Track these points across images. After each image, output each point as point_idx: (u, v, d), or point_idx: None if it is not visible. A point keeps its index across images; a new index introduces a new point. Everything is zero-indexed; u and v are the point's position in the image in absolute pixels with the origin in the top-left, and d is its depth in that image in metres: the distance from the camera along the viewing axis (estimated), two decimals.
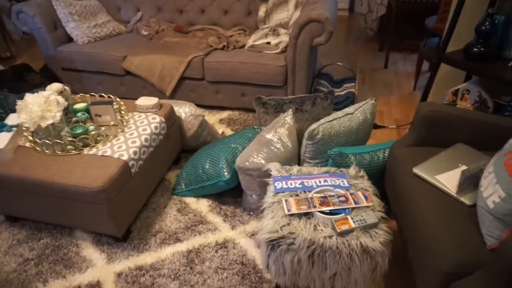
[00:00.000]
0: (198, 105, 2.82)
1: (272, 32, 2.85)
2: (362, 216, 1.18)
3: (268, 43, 2.71)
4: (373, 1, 3.71)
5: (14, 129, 1.80)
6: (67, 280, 1.57)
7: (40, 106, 1.66)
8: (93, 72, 2.85)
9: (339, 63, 3.04)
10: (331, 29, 2.27)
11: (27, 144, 1.77)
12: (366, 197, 1.27)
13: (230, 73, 2.55)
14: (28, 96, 1.71)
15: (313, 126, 1.76)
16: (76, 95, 2.04)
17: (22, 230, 1.82)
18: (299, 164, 1.91)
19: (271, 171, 1.54)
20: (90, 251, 1.69)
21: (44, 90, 2.89)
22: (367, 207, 1.24)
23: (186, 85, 2.71)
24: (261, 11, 2.89)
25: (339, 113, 1.86)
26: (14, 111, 2.71)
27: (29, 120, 1.67)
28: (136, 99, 2.86)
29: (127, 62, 2.68)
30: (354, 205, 1.23)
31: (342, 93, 2.76)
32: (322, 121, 1.80)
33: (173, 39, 2.86)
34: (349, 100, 2.69)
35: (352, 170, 1.49)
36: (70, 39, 2.94)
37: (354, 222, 1.15)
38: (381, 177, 1.70)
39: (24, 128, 1.77)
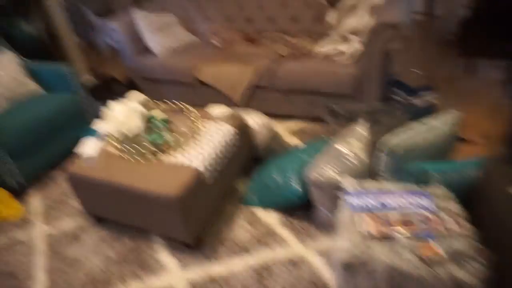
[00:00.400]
0: (267, 114, 2.83)
1: (342, 39, 2.76)
2: (452, 243, 1.07)
3: (339, 50, 2.64)
4: (452, 2, 3.44)
5: (101, 135, 1.95)
6: (144, 282, 1.65)
7: (124, 114, 1.78)
8: (168, 81, 3.01)
9: (415, 70, 2.86)
10: (407, 34, 2.14)
11: (112, 150, 1.91)
12: (456, 222, 1.15)
13: (299, 82, 2.52)
14: (114, 105, 1.84)
15: (390, 138, 1.66)
16: (153, 103, 2.16)
17: (106, 230, 1.97)
18: (372, 178, 1.82)
19: (344, 185, 1.48)
20: (164, 256, 1.77)
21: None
22: (458, 233, 1.13)
23: (255, 93, 2.73)
24: (331, 18, 2.82)
25: (418, 125, 1.74)
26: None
27: (114, 128, 1.80)
28: (207, 108, 2.98)
29: (198, 72, 2.79)
30: (442, 230, 1.12)
31: (419, 102, 2.58)
32: (399, 133, 1.69)
33: (242, 48, 2.92)
34: (428, 110, 2.50)
35: (437, 190, 1.37)
36: (149, 50, 3.13)
37: (442, 249, 1.05)
38: (467, 198, 1.55)
39: (110, 135, 1.90)
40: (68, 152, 2.65)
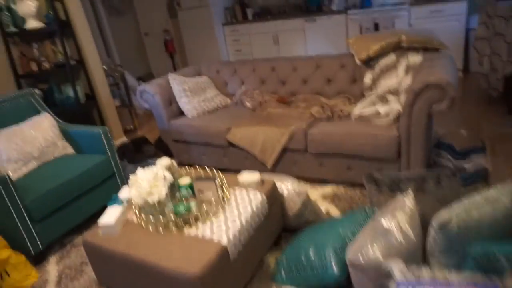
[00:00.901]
0: (300, 178, 2.67)
1: (380, 100, 2.64)
2: None
3: (377, 111, 2.50)
4: (496, 58, 3.27)
5: (125, 202, 1.87)
6: None
7: (149, 182, 1.69)
8: (199, 144, 2.97)
9: (462, 130, 2.64)
10: (454, 95, 1.98)
11: (134, 219, 1.81)
12: None
13: (335, 145, 2.37)
14: (140, 171, 1.77)
15: (443, 213, 1.43)
16: (182, 169, 2.07)
17: None
18: (424, 260, 1.56)
19: (392, 271, 1.25)
20: None
21: (155, 163, 3.11)
22: None
23: (288, 157, 2.61)
24: (367, 78, 2.73)
25: (476, 197, 1.50)
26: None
27: (138, 195, 1.70)
28: (238, 170, 2.87)
29: (230, 134, 2.73)
30: None
31: (470, 167, 2.34)
32: (454, 206, 1.46)
33: (276, 110, 2.86)
34: (480, 175, 2.25)
35: (510, 281, 1.11)
36: (181, 113, 3.15)
37: None
38: None
39: (133, 203, 1.81)
40: (94, 216, 2.61)
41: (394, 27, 4.57)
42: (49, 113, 2.79)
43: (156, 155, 3.09)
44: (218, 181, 1.86)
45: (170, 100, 3.12)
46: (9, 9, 3.39)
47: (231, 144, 2.78)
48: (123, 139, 3.96)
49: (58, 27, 3.38)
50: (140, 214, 1.77)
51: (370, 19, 4.66)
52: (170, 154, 3.16)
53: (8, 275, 2.04)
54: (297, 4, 5.55)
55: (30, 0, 3.35)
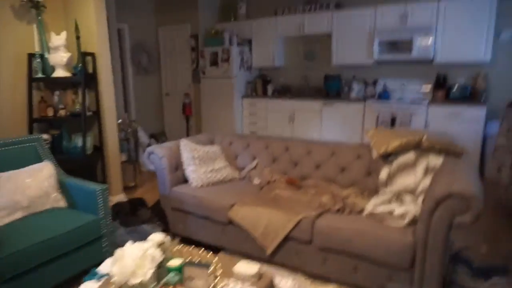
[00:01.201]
0: (299, 270, 2.44)
1: (395, 198, 2.49)
2: None
3: (390, 211, 2.34)
4: None
5: (103, 279, 1.66)
6: None
7: (135, 260, 1.51)
8: (198, 216, 2.80)
9: (482, 245, 2.43)
10: (479, 209, 1.82)
11: None
12: None
13: (343, 242, 2.18)
14: (128, 246, 1.59)
15: None
16: (174, 247, 1.89)
17: None
18: None
19: None
20: None
21: (152, 225, 2.92)
22: None
23: (290, 246, 2.40)
24: (384, 174, 2.61)
25: None
26: (119, 246, 2.72)
27: (119, 273, 1.51)
28: (235, 250, 2.66)
29: (233, 212, 2.57)
30: None
31: None
32: None
33: (284, 193, 2.72)
34: None
35: None
36: (186, 181, 3.03)
37: None
38: None
39: (111, 280, 1.61)
40: (76, 276, 2.37)
41: (410, 123, 4.59)
42: (51, 161, 2.70)
43: (151, 221, 2.91)
44: (212, 268, 1.66)
45: (177, 166, 3.03)
46: (42, 57, 3.50)
47: (231, 222, 2.61)
48: (121, 197, 3.81)
49: (84, 79, 3.46)
50: None
51: (388, 112, 4.70)
52: (165, 222, 2.97)
53: None
54: (317, 87, 5.71)
55: (64, 52, 3.48)
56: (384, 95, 4.96)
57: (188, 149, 3.01)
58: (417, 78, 4.93)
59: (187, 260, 1.71)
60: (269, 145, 3.21)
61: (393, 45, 4.73)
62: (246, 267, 1.71)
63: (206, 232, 2.79)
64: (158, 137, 6.05)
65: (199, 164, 2.99)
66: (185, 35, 6.32)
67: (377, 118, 4.79)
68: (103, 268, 1.75)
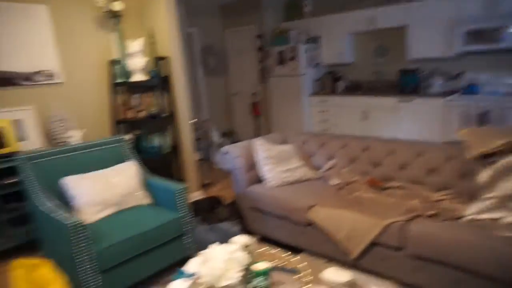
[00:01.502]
0: (386, 277, 2.25)
1: (498, 204, 2.19)
2: None
3: (494, 218, 2.06)
4: None
5: (190, 278, 1.66)
6: None
7: (223, 263, 1.48)
8: (276, 216, 2.74)
9: None
10: None
11: None
12: None
13: (441, 250, 1.96)
14: (214, 248, 1.57)
15: None
16: (259, 250, 1.83)
17: None
18: None
19: None
20: None
21: (230, 223, 2.92)
22: None
23: (376, 251, 2.23)
24: (483, 176, 2.31)
25: None
26: (200, 243, 2.76)
27: (207, 275, 1.49)
28: (315, 252, 2.56)
29: (313, 213, 2.46)
30: None
31: None
32: None
33: (367, 195, 2.54)
34: None
35: None
36: (261, 180, 2.99)
37: None
38: None
39: (200, 282, 1.60)
40: (156, 273, 2.46)
41: (506, 120, 4.08)
42: (136, 161, 2.82)
43: (228, 219, 2.91)
44: (300, 274, 1.58)
45: (251, 165, 3.00)
46: (121, 63, 3.71)
47: (311, 223, 2.50)
48: (199, 194, 3.90)
49: (159, 82, 3.59)
50: None
51: (476, 107, 4.24)
52: (242, 220, 2.96)
53: None
54: (391, 82, 5.36)
55: (141, 58, 3.64)
56: (470, 89, 4.48)
57: (262, 148, 2.97)
58: (510, 70, 4.38)
59: (273, 264, 1.64)
60: (346, 144, 3.04)
61: (479, 35, 4.24)
62: (337, 274, 1.59)
63: (284, 232, 2.72)
64: (229, 136, 6.15)
65: (274, 164, 2.93)
66: (251, 36, 6.33)
67: (463, 115, 4.34)
68: (189, 267, 1.75)
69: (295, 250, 2.65)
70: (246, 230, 2.95)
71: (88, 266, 2.01)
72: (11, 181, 2.87)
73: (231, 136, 6.42)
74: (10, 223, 2.92)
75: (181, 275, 1.65)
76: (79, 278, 2.04)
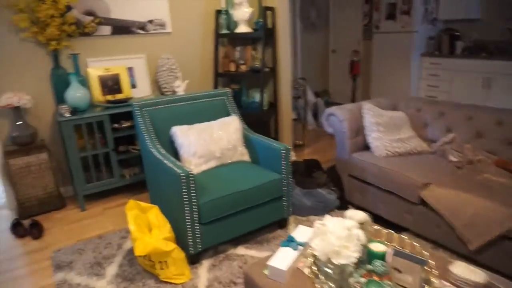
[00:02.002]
0: None
1: None
2: None
3: None
4: None
5: (300, 248, 1.59)
6: None
7: (340, 239, 1.36)
8: (380, 189, 2.52)
9: None
10: None
11: (306, 271, 1.51)
12: None
13: None
14: (329, 220, 1.45)
15: None
16: (375, 229, 1.67)
17: None
18: None
19: None
20: None
21: (327, 190, 2.80)
22: None
23: (503, 246, 1.92)
24: None
25: None
26: (295, 207, 2.70)
27: (321, 249, 1.39)
28: (421, 236, 2.33)
29: (428, 192, 2.19)
30: None
31: None
32: None
33: (498, 179, 2.17)
34: None
35: None
36: (366, 148, 2.76)
37: None
38: None
39: (310, 254, 1.52)
40: (250, 233, 2.49)
41: None
42: (238, 116, 2.79)
43: (326, 185, 2.78)
44: (425, 263, 1.39)
45: (358, 131, 2.77)
46: (227, 13, 3.62)
47: (423, 203, 2.25)
48: (293, 155, 3.83)
49: (264, 34, 3.44)
50: (315, 270, 1.46)
51: None
52: (341, 188, 2.81)
53: (167, 267, 2.04)
54: None
55: (247, 8, 3.50)
56: None
57: (371, 113, 2.70)
58: None
59: (393, 247, 1.48)
60: (473, 116, 2.61)
61: None
62: (469, 272, 1.37)
63: (387, 207, 2.51)
64: (322, 96, 5.87)
65: (383, 131, 2.66)
66: None
67: None
68: (297, 236, 1.68)
69: (397, 227, 2.45)
70: (343, 199, 2.81)
71: (192, 216, 2.08)
72: (125, 125, 3.08)
73: (324, 96, 6.13)
74: (121, 164, 3.18)
75: (290, 243, 1.59)
76: (182, 226, 2.12)
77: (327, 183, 2.80)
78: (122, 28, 3.25)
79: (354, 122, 2.75)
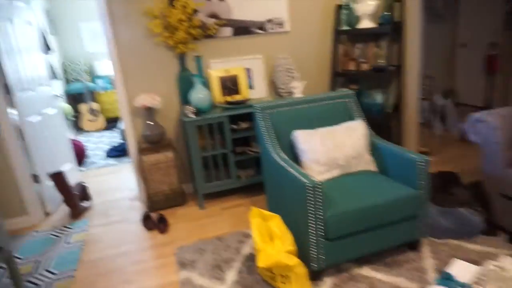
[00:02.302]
0: None
1: None
2: None
3: None
4: None
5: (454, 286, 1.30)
6: None
7: None
8: None
9: None
10: None
11: None
12: None
13: None
14: (508, 262, 1.14)
15: None
16: None
17: None
18: None
19: None
20: None
21: (470, 210, 2.37)
22: None
23: None
24: None
25: None
26: (430, 227, 2.34)
27: None
28: None
29: None
30: None
31: None
32: None
33: None
34: None
35: None
36: None
37: None
38: None
39: None
40: (377, 254, 2.23)
41: None
42: (363, 120, 2.54)
43: (469, 204, 2.35)
44: None
45: None
46: (349, 8, 3.37)
47: None
48: None
49: (391, 29, 3.10)
50: None
51: None
52: (488, 209, 2.35)
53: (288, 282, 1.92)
54: None
55: (371, 1, 3.19)
56: None
57: None
58: None
59: None
60: None
61: None
62: None
63: None
64: (447, 96, 5.17)
65: None
66: None
67: None
68: (455, 273, 1.39)
69: None
70: (491, 223, 2.34)
71: (316, 230, 1.92)
72: (243, 126, 3.08)
73: (450, 96, 5.39)
74: (237, 165, 3.20)
75: (448, 282, 1.31)
76: (305, 240, 1.98)
77: (470, 201, 2.36)
78: (242, 29, 3.26)
79: (509, 132, 2.26)
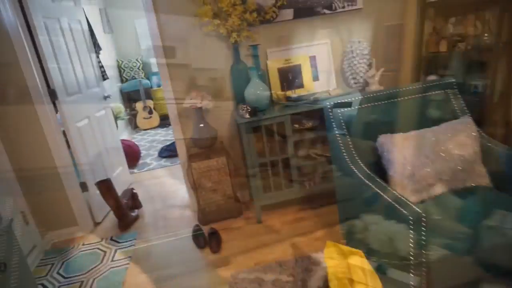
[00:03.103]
0: None
1: None
2: None
3: None
4: None
5: None
6: None
7: None
8: None
9: None
10: None
11: None
12: None
13: None
14: None
15: None
16: None
17: None
18: None
19: None
20: None
21: None
22: None
23: None
24: None
25: None
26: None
27: None
28: None
29: None
30: None
31: None
32: None
33: None
34: None
35: None
36: None
37: None
38: None
39: None
40: None
41: None
42: (471, 118, 1.92)
43: None
44: None
45: None
46: None
47: None
48: None
49: None
50: None
51: None
52: None
53: None
54: None
55: None
56: None
57: None
58: None
59: None
60: None
61: None
62: None
63: None
64: None
65: None
66: None
67: None
68: None
69: None
70: None
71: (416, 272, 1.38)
72: (307, 126, 2.59)
73: None
74: (300, 171, 2.70)
75: None
76: (400, 283, 1.45)
77: None
78: (305, 10, 2.73)
79: None
